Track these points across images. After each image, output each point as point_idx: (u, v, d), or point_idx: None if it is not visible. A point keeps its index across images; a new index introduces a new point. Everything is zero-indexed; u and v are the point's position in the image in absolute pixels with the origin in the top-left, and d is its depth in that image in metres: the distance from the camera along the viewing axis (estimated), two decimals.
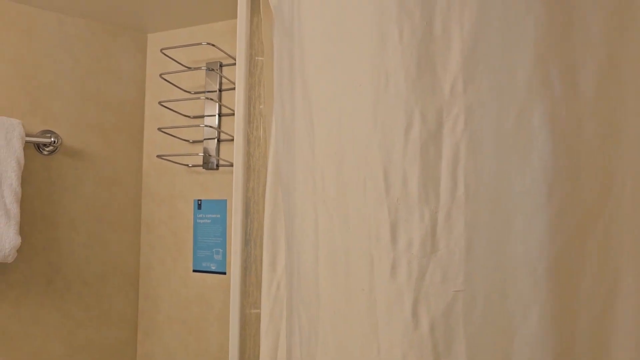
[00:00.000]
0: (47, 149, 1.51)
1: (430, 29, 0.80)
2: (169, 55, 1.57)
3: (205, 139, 1.59)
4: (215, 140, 1.58)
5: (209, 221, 1.57)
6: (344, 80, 0.87)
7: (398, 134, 0.80)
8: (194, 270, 1.58)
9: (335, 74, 0.89)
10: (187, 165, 1.60)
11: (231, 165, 1.54)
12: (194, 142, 1.62)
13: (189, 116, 1.63)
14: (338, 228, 0.84)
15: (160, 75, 1.51)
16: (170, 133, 1.58)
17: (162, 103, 1.54)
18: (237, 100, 1.26)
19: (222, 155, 1.57)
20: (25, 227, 1.46)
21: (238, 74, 1.27)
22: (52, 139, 1.50)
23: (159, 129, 1.52)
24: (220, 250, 1.54)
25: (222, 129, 1.57)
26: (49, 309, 1.52)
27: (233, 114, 1.56)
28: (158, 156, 1.53)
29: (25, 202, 1.47)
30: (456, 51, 0.79)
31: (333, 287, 0.84)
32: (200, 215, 1.58)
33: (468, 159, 0.78)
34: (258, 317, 1.25)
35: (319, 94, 0.91)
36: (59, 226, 1.54)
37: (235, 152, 1.24)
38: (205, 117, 1.60)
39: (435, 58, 0.80)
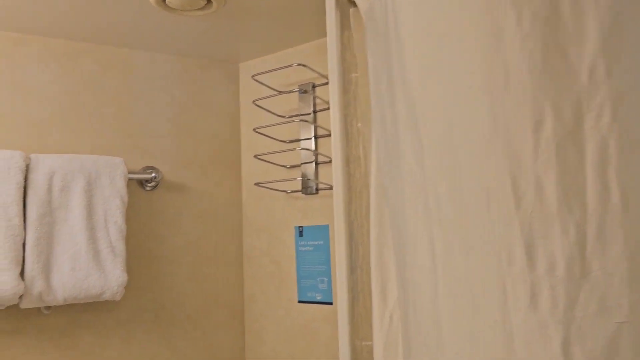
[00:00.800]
0: (149, 185, 1.53)
1: (556, 6, 0.67)
2: (261, 82, 1.53)
3: (302, 163, 1.53)
4: (313, 163, 1.51)
5: (311, 248, 1.49)
6: (453, 83, 0.76)
7: (526, 136, 0.67)
8: (299, 301, 1.50)
9: (442, 76, 0.78)
10: (286, 191, 1.55)
11: (331, 188, 1.46)
12: (291, 167, 1.56)
13: (284, 141, 1.58)
14: (459, 253, 0.72)
15: (253, 101, 1.48)
16: (267, 159, 1.53)
17: (257, 130, 1.50)
18: (333, 119, 1.18)
19: (321, 179, 1.50)
20: (131, 263, 1.47)
21: (332, 93, 1.20)
22: (153, 174, 1.51)
23: (255, 156, 1.48)
24: (325, 279, 1.46)
25: (320, 151, 1.50)
26: (157, 345, 1.50)
27: (329, 135, 1.49)
28: (256, 184, 1.48)
29: (131, 238, 1.48)
30: (592, 28, 0.65)
31: (456, 324, 0.72)
32: (302, 243, 1.51)
33: (620, 157, 0.63)
34: (369, 349, 1.14)
35: (425, 101, 0.80)
36: (162, 261, 1.54)
37: (334, 174, 1.15)
38: (302, 141, 1.54)
39: (565, 40, 0.67)
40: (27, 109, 1.40)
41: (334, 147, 1.18)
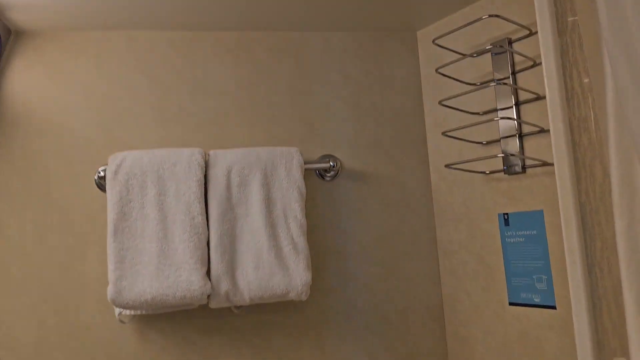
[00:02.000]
0: (328, 175, 1.40)
1: None
2: (444, 46, 1.30)
3: (502, 138, 1.26)
4: (517, 136, 1.23)
5: (522, 239, 1.22)
6: None
7: None
8: (511, 304, 1.24)
9: None
10: (484, 172, 1.30)
11: (542, 164, 1.17)
12: (488, 143, 1.30)
13: (478, 113, 1.32)
14: None
15: (437, 70, 1.26)
16: (458, 137, 1.30)
17: (443, 102, 1.28)
18: (548, 74, 0.91)
19: (527, 153, 1.22)
20: (316, 261, 1.37)
21: (543, 41, 0.92)
22: (331, 163, 1.38)
23: (444, 134, 1.25)
24: (544, 277, 1.17)
25: (524, 119, 1.22)
26: (350, 348, 1.38)
27: (537, 99, 1.20)
28: (447, 166, 1.26)
29: (313, 233, 1.38)
30: None
31: None
32: (510, 233, 1.25)
33: None
34: None
35: None
36: (350, 257, 1.40)
37: (554, 144, 0.88)
38: (499, 111, 1.27)
39: None
40: (205, 105, 1.37)
41: (552, 110, 0.90)
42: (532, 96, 1.21)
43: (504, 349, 1.25)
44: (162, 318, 1.28)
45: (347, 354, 1.37)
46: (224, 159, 1.26)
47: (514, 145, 1.24)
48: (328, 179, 1.41)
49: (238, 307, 1.31)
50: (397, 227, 1.44)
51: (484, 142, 1.31)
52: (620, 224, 0.76)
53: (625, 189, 0.75)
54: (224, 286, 1.19)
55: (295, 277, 1.22)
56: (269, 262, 1.22)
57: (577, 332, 0.87)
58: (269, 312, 1.35)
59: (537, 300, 1.19)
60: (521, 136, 1.24)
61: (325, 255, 1.39)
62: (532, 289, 1.20)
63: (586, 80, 0.92)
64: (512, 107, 1.25)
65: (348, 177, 1.43)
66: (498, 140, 1.29)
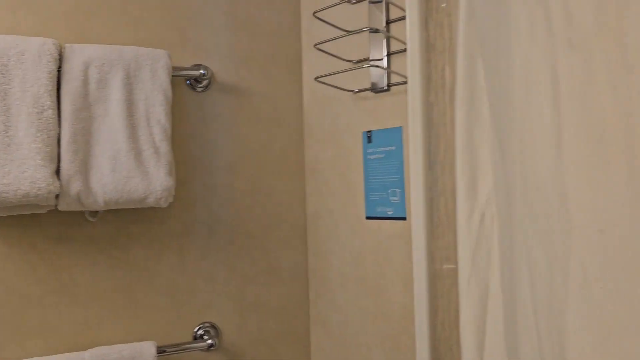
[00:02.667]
0: (200, 85, 1.36)
1: None
2: None
3: (371, 60, 1.29)
4: (385, 55, 1.27)
5: (381, 156, 1.27)
6: None
7: None
8: (367, 217, 1.30)
9: None
10: (353, 90, 1.33)
11: (405, 82, 1.22)
12: (359, 61, 1.33)
13: (350, 32, 1.34)
14: (603, 74, 0.48)
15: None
16: (330, 52, 1.31)
17: (317, 14, 1.28)
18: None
19: (394, 68, 1.25)
20: (182, 172, 1.33)
21: None
22: (202, 72, 1.33)
23: (316, 46, 1.26)
24: (398, 190, 1.24)
25: (393, 34, 1.25)
26: (213, 261, 1.37)
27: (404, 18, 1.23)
28: (316, 78, 1.27)
29: (181, 145, 1.33)
30: None
31: (591, 183, 0.49)
32: (371, 150, 1.30)
33: None
34: (452, 272, 0.92)
35: None
36: (216, 171, 1.39)
37: (409, 57, 0.91)
38: (371, 61, 1.29)
39: None
40: None
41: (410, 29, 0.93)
42: (401, 15, 1.24)
43: (358, 260, 1.32)
44: (5, 222, 1.18)
45: (208, 267, 1.37)
46: (81, 53, 1.17)
47: (382, 63, 1.27)
48: (199, 89, 1.36)
49: (93, 215, 1.24)
50: (267, 144, 1.44)
51: (355, 61, 1.33)
52: (459, 115, 0.81)
53: (465, 81, 0.80)
54: (76, 187, 1.12)
55: (154, 181, 1.18)
56: (127, 165, 1.17)
57: (414, 233, 0.92)
58: (128, 222, 1.30)
59: (390, 213, 1.25)
60: (389, 55, 1.27)
61: (191, 168, 1.36)
62: (386, 202, 1.26)
63: (444, 5, 0.97)
64: (383, 22, 1.27)
65: (220, 90, 1.39)
66: (367, 60, 1.31)
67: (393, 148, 1.25)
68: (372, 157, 1.30)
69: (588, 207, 0.48)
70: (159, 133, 1.20)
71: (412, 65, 0.95)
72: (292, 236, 1.46)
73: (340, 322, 1.37)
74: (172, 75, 1.26)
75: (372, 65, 1.23)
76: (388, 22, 1.28)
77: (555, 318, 0.51)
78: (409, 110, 0.90)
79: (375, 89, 1.28)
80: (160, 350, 1.26)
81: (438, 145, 0.93)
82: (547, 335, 0.52)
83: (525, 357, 0.57)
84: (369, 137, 1.30)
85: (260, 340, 1.42)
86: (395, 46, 1.25)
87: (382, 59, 1.26)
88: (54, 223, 1.23)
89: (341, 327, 1.36)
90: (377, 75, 1.27)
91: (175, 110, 1.31)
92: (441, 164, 0.92)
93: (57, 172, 1.13)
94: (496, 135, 0.67)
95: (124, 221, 1.29)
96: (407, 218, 1.22)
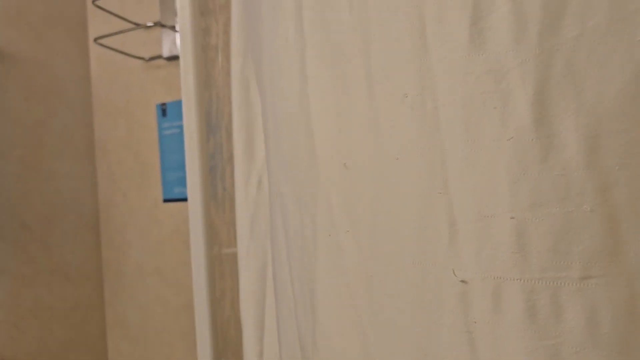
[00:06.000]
0: None
1: None
2: None
3: (161, 23, 1.15)
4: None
5: (177, 131, 1.14)
6: None
7: None
8: (165, 200, 1.16)
9: None
10: (144, 58, 1.17)
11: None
12: (151, 26, 1.18)
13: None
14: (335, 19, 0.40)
15: None
16: (115, 12, 1.14)
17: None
18: None
19: None
20: None
21: None
22: None
23: (94, 3, 1.08)
24: None
25: None
26: None
27: None
28: (96, 40, 1.09)
29: None
30: None
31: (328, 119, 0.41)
32: (166, 125, 1.16)
33: None
34: (232, 258, 0.83)
35: None
36: None
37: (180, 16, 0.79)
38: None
39: None
40: None
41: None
42: None
43: (157, 249, 1.17)
44: None
45: None
46: None
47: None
48: None
49: None
50: (45, 120, 1.22)
51: (149, 24, 1.18)
52: (235, 66, 0.71)
53: (241, 29, 0.70)
54: None
55: None
56: None
57: (191, 214, 0.81)
58: None
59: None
60: None
61: None
62: (184, 182, 1.13)
63: None
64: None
65: None
66: (158, 25, 1.17)
67: None
68: (168, 132, 1.16)
69: (332, 139, 0.40)
70: None
71: (182, 22, 0.83)
72: (80, 227, 1.26)
73: (141, 322, 1.21)
74: None
75: (161, 26, 1.09)
76: None
77: (307, 272, 0.43)
78: (181, 70, 0.79)
79: (168, 56, 1.14)
80: None
81: (222, 109, 0.82)
82: (301, 293, 0.44)
83: (284, 324, 0.49)
84: (163, 110, 1.16)
85: (44, 353, 1.20)
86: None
87: (174, 24, 1.13)
88: None
89: (142, 327, 1.20)
90: (170, 41, 1.14)
91: None
92: (225, 128, 0.81)
93: None
94: (257, 77, 0.58)
95: None
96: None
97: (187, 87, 0.76)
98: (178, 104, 1.14)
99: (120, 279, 1.24)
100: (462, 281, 0.33)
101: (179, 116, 1.13)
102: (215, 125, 0.81)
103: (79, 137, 1.26)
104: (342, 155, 0.40)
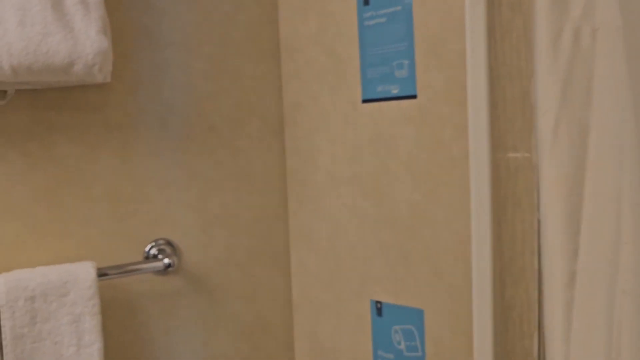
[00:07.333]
0: None
1: None
2: None
3: None
4: None
5: (383, 20, 1.00)
6: None
7: None
8: (365, 100, 1.04)
9: None
10: None
11: None
12: None
13: None
14: None
15: None
16: None
17: None
18: None
19: None
20: (119, 44, 1.01)
21: None
22: None
23: None
24: (406, 61, 0.97)
25: None
26: (167, 162, 1.08)
27: None
28: None
29: (117, 8, 1.01)
30: None
31: None
32: (369, 14, 1.02)
33: None
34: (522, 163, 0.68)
35: None
36: (168, 45, 1.07)
37: None
38: None
39: None
40: None
41: None
42: None
43: (353, 156, 1.06)
44: None
45: (159, 169, 1.07)
46: None
47: None
48: None
49: (2, 96, 0.92)
50: (232, 14, 1.13)
51: None
52: None
53: None
54: None
55: (83, 40, 0.86)
56: (42, 17, 0.84)
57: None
58: (50, 108, 0.98)
59: (395, 92, 0.99)
60: None
61: (132, 39, 1.04)
62: (390, 79, 0.99)
63: None
64: None
65: None
66: None
67: (399, 8, 0.98)
68: (371, 22, 1.02)
69: None
70: None
71: None
72: (265, 131, 1.18)
73: (330, 234, 1.12)
74: None
75: None
76: None
77: None
78: None
79: None
80: (102, 273, 0.97)
81: None
82: None
83: None
84: None
85: (229, 260, 1.15)
86: None
87: None
88: None
89: (331, 241, 1.12)
90: None
91: None
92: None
93: None
94: None
95: (43, 107, 0.97)
96: (418, 95, 0.96)
97: None
98: None
99: (307, 189, 1.16)
100: None
101: (385, 3, 0.99)
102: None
103: (264, 35, 1.16)
104: None
